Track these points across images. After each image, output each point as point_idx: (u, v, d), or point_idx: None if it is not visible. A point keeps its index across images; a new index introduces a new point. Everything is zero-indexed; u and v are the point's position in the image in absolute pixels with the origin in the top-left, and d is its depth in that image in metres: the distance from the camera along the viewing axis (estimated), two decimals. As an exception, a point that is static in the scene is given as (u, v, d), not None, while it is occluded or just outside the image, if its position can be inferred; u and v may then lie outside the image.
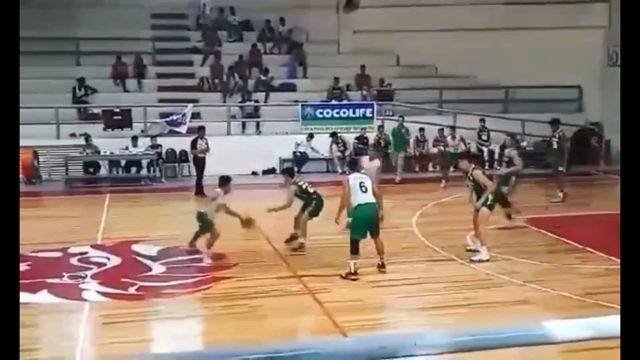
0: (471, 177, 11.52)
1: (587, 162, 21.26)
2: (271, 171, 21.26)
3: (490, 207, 11.44)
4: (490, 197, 11.37)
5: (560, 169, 16.56)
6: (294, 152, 21.34)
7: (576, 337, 2.42)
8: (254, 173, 21.00)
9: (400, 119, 21.03)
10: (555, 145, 16.71)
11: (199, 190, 17.64)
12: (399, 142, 20.34)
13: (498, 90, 23.94)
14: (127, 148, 19.86)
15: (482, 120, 20.60)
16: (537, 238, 13.06)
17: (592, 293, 9.74)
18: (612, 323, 2.46)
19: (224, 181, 12.06)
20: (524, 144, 22.64)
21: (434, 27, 23.40)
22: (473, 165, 11.65)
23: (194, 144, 18.02)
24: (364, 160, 14.61)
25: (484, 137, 22.03)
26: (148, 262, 11.64)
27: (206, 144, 17.87)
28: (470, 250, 11.68)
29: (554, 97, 23.73)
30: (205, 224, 11.79)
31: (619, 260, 11.10)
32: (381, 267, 10.85)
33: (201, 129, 18.21)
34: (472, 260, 11.19)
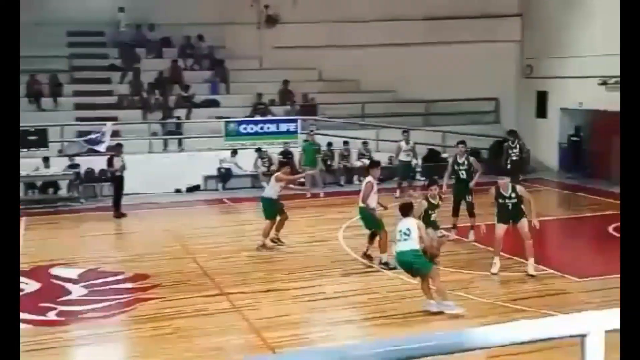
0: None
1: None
2: (195, 188, 20.94)
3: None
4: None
5: (521, 179, 16.26)
6: (218, 169, 21.11)
7: (500, 342, 2.42)
8: (177, 191, 20.64)
9: (310, 133, 21.04)
10: (514, 157, 16.47)
11: (118, 210, 17.17)
12: (310, 157, 20.31)
13: (419, 103, 24.42)
14: (37, 169, 19.17)
15: (405, 132, 20.91)
16: (462, 247, 13.25)
17: (515, 299, 9.96)
18: (533, 328, 2.47)
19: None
20: (445, 155, 23.17)
21: (355, 43, 23.70)
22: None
23: (110, 163, 17.55)
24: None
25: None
26: (68, 286, 11.22)
27: (122, 161, 17.42)
28: (383, 264, 11.76)
29: (472, 110, 24.43)
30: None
31: (541, 267, 11.46)
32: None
33: (117, 146, 17.78)
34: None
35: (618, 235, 14.10)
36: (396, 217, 13.25)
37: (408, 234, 9.48)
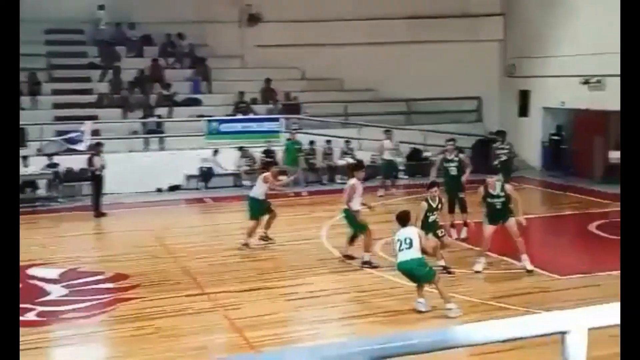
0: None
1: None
2: (176, 187, 20.81)
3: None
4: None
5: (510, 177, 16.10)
6: (200, 168, 20.99)
7: (482, 340, 2.43)
8: (159, 190, 20.49)
9: (292, 132, 21.01)
10: (503, 157, 16.43)
11: (98, 210, 17.01)
12: (292, 156, 20.26)
13: (401, 102, 24.44)
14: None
15: (388, 132, 20.94)
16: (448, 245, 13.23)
17: (498, 297, 9.98)
18: (515, 325, 2.47)
19: None
20: (427, 153, 23.22)
21: (338, 41, 23.66)
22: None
23: (90, 162, 17.38)
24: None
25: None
26: (47, 286, 11.06)
27: (102, 160, 17.25)
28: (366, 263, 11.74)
29: (455, 109, 24.50)
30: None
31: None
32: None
33: (97, 145, 17.62)
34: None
35: (599, 233, 14.22)
36: (381, 215, 13.39)
37: (409, 243, 9.34)
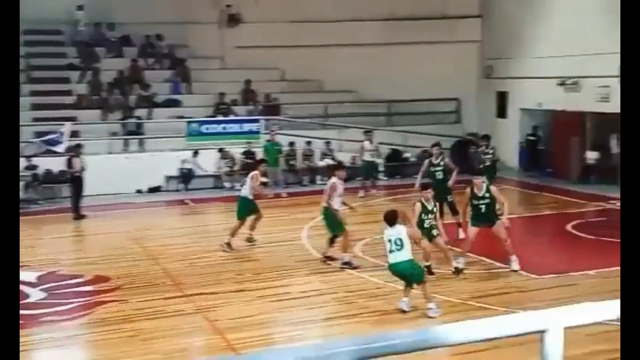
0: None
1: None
2: (156, 189, 20.73)
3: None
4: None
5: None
6: (180, 169, 20.92)
7: (461, 340, 2.45)
8: (138, 191, 20.40)
9: (271, 133, 21.02)
10: (488, 162, 16.44)
11: (78, 212, 16.91)
12: (272, 157, 20.27)
13: (381, 104, 24.56)
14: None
15: (368, 132, 21.03)
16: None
17: (476, 297, 10.08)
18: (494, 325, 2.49)
19: None
20: (407, 154, 23.37)
21: (318, 43, 23.70)
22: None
23: (69, 163, 17.27)
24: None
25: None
26: (26, 289, 10.98)
27: (82, 162, 17.15)
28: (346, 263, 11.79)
29: (434, 110, 24.66)
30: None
31: (501, 264, 11.63)
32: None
33: (77, 146, 17.51)
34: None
35: (576, 232, 14.41)
36: (362, 216, 13.44)
37: (400, 244, 9.36)
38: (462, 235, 13.43)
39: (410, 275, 9.48)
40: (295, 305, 10.07)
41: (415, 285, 9.57)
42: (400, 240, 9.37)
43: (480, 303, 9.81)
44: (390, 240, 9.43)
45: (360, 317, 9.46)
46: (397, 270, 9.54)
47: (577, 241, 13.92)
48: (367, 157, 19.64)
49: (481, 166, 15.84)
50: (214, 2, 24.37)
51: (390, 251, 9.42)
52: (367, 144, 19.72)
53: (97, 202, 18.23)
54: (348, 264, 11.74)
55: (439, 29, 24.46)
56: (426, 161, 14.74)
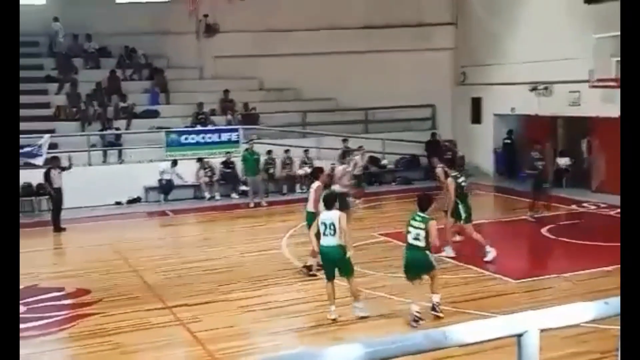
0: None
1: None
2: (136, 200, 20.69)
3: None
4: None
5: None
6: (159, 180, 20.89)
7: (440, 345, 2.52)
8: (118, 203, 20.34)
9: (249, 142, 21.08)
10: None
11: (57, 225, 16.82)
12: (251, 166, 20.34)
13: (358, 111, 24.73)
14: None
15: (345, 140, 21.13)
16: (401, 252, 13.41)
17: (453, 301, 10.21)
18: (471, 329, 2.57)
19: None
20: (384, 162, 23.56)
21: (295, 51, 23.84)
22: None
23: (47, 176, 17.18)
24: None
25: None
26: (5, 304, 10.92)
27: (60, 174, 17.08)
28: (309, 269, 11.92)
29: (410, 117, 24.90)
30: None
31: (477, 269, 11.81)
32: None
33: (54, 159, 17.44)
34: None
35: (552, 236, 14.65)
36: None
37: (333, 229, 9.49)
38: (458, 237, 13.62)
39: (339, 263, 9.58)
40: (275, 315, 10.13)
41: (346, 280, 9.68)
42: (333, 225, 9.48)
43: (457, 308, 9.93)
44: (324, 223, 9.57)
45: (340, 325, 9.51)
46: (326, 253, 9.66)
47: (552, 244, 14.16)
48: (357, 172, 19.86)
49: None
50: (191, 12, 24.39)
51: (324, 234, 9.58)
52: (358, 159, 19.98)
53: (77, 214, 18.15)
54: (308, 268, 11.80)
55: (414, 37, 24.72)
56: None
